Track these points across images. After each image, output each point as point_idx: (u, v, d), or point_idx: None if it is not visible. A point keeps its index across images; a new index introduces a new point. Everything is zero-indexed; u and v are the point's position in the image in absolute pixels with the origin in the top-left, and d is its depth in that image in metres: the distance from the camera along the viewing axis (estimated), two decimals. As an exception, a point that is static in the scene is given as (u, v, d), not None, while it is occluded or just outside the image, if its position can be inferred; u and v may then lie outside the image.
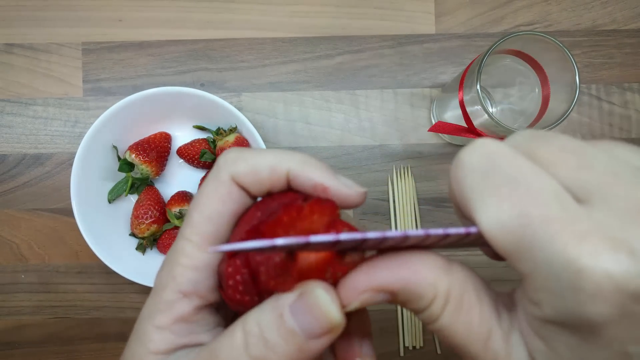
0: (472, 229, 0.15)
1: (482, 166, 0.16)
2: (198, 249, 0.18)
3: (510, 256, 0.15)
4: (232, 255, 0.17)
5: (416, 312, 0.17)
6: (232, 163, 0.18)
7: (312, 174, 0.18)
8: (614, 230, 0.13)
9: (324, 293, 0.16)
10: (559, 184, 0.14)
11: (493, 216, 0.15)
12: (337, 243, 0.15)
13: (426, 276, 0.16)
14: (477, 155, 0.16)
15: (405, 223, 0.48)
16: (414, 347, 0.47)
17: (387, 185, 0.48)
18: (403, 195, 0.48)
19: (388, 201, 0.48)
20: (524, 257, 0.14)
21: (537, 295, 0.14)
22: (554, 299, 0.14)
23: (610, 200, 0.14)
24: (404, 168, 0.48)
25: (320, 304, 0.16)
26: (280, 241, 0.14)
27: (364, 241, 0.15)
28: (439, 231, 0.15)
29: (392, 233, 0.15)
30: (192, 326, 0.18)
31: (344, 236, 0.15)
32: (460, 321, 0.16)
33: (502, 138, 0.37)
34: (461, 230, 0.16)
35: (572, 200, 0.14)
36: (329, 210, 0.17)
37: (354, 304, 0.16)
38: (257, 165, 0.18)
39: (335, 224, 0.17)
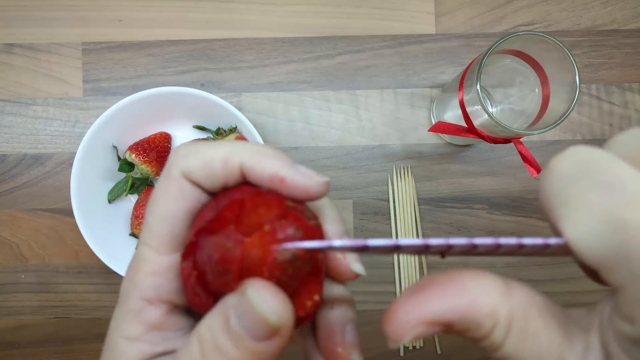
0: (552, 240, 0.14)
1: (573, 172, 0.14)
2: (156, 252, 0.17)
3: (602, 267, 0.13)
4: (186, 256, 0.17)
5: (476, 341, 0.15)
6: (183, 159, 0.17)
7: (267, 165, 0.17)
8: None
9: (255, 294, 0.15)
10: None
11: (581, 223, 0.13)
12: (398, 248, 0.14)
13: (485, 303, 0.14)
14: (569, 161, 0.14)
15: (405, 223, 0.48)
16: (414, 347, 0.47)
17: (387, 185, 0.48)
18: (403, 196, 0.48)
19: (388, 201, 0.48)
20: (618, 266, 0.13)
21: (632, 309, 0.13)
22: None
23: None
24: (404, 168, 0.48)
25: (255, 307, 0.15)
26: (337, 242, 0.14)
27: (426, 247, 0.14)
28: (512, 241, 0.14)
29: (459, 240, 0.14)
30: (164, 333, 0.18)
31: (405, 241, 0.14)
32: (527, 349, 0.14)
33: (502, 138, 0.37)
34: (538, 240, 0.14)
35: None
36: (274, 202, 0.16)
37: (406, 339, 0.15)
38: (208, 159, 0.17)
39: (286, 215, 0.16)
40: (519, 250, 0.15)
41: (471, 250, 0.15)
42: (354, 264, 0.19)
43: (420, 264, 0.48)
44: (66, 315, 0.48)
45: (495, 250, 0.15)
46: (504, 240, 0.14)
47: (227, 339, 0.15)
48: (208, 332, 0.15)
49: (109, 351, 0.18)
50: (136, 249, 0.18)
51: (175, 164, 0.17)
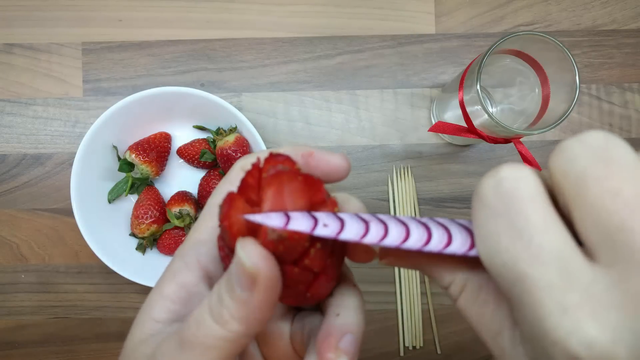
0: (472, 253, 0.17)
1: (493, 204, 0.15)
2: (207, 220, 0.20)
3: (504, 295, 0.15)
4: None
5: (441, 288, 0.19)
6: (243, 160, 0.22)
7: (300, 147, 0.21)
8: (608, 307, 0.13)
9: (239, 246, 0.16)
10: (571, 240, 0.14)
11: (491, 255, 0.15)
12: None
13: (449, 267, 0.18)
14: (492, 190, 0.15)
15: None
16: (414, 347, 0.47)
17: (387, 185, 0.48)
18: (403, 196, 0.48)
19: (388, 201, 0.48)
20: (513, 304, 0.15)
21: (522, 341, 0.15)
22: (532, 352, 0.14)
23: (632, 271, 0.13)
24: (404, 168, 0.48)
25: (238, 257, 0.16)
26: (318, 231, 0.17)
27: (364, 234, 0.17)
28: (439, 247, 0.17)
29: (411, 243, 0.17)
30: (192, 297, 0.19)
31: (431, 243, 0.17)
32: (474, 311, 0.17)
33: (502, 138, 0.37)
34: (462, 250, 0.17)
35: (579, 260, 0.13)
36: (286, 164, 0.18)
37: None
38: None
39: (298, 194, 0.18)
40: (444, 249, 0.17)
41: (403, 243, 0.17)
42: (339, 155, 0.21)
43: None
44: (66, 315, 0.48)
45: (424, 248, 0.17)
46: (432, 247, 0.17)
47: (225, 290, 0.17)
48: (217, 286, 0.17)
49: (145, 306, 0.20)
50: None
51: (237, 164, 0.21)
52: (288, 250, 0.17)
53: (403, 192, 0.48)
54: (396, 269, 0.48)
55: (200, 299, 0.19)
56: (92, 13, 0.48)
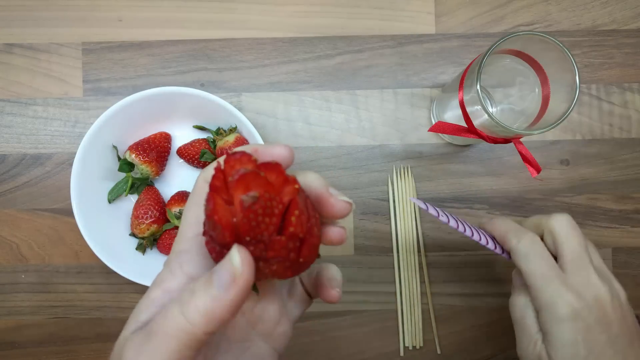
0: (505, 255, 0.37)
1: (529, 251, 0.34)
2: (186, 232, 0.23)
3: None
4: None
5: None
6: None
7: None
8: (574, 288, 0.32)
9: (234, 249, 0.19)
10: (556, 265, 0.33)
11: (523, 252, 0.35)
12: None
13: (508, 229, 0.36)
14: (528, 244, 0.35)
15: (405, 223, 0.48)
16: (414, 347, 0.47)
17: (387, 185, 0.48)
18: (403, 196, 0.48)
19: (388, 201, 0.48)
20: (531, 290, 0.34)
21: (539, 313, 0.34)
22: (546, 317, 0.33)
23: (575, 274, 0.33)
24: (404, 168, 0.48)
25: (230, 254, 0.19)
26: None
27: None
28: (482, 242, 0.36)
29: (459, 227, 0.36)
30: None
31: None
32: (531, 256, 0.34)
33: (502, 138, 0.37)
34: (498, 251, 0.37)
35: (559, 272, 0.33)
36: (245, 161, 0.20)
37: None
38: None
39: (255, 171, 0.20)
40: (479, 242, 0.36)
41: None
42: (341, 196, 0.22)
43: (420, 263, 0.48)
44: (66, 315, 0.48)
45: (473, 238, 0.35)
46: (482, 241, 0.36)
47: (203, 285, 0.19)
48: (192, 283, 0.19)
49: (135, 309, 0.22)
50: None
51: (200, 177, 0.23)
52: (267, 211, 0.19)
53: (403, 192, 0.48)
54: (396, 269, 0.48)
55: None
56: (92, 13, 0.48)
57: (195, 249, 0.22)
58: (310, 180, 0.22)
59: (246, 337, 0.25)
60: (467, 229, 0.36)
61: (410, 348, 0.47)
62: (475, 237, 0.36)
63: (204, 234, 0.21)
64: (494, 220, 0.38)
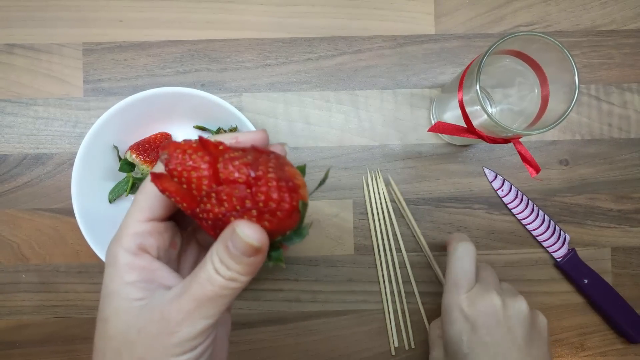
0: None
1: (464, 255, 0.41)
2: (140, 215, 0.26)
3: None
4: None
5: None
6: None
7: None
8: (469, 298, 0.39)
9: (242, 231, 0.21)
10: (472, 278, 0.40)
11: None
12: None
13: (455, 236, 0.43)
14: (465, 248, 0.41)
15: (381, 223, 0.48)
16: (410, 348, 0.47)
17: (362, 188, 0.48)
18: (377, 197, 0.48)
19: (365, 205, 0.48)
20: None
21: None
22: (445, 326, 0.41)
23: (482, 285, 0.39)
24: (375, 172, 0.48)
25: (243, 239, 0.21)
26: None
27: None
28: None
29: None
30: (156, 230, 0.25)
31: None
32: (462, 264, 0.41)
33: (501, 138, 0.37)
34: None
35: (474, 281, 0.40)
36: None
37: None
38: None
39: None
40: None
41: None
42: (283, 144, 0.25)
43: (402, 263, 0.48)
44: (67, 315, 0.48)
45: None
46: None
47: (229, 257, 0.22)
48: (216, 256, 0.22)
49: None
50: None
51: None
52: (188, 166, 0.22)
53: (376, 194, 0.48)
54: (378, 269, 0.48)
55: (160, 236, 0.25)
56: (93, 13, 0.49)
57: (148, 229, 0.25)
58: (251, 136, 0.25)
59: None
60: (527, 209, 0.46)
61: (407, 348, 0.48)
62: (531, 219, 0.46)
63: (194, 217, 0.23)
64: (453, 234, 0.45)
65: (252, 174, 0.21)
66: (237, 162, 0.21)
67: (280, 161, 0.22)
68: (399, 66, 0.49)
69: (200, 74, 0.48)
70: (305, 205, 0.22)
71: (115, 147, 0.44)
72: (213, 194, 0.21)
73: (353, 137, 0.49)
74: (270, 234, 0.22)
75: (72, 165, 0.42)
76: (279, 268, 0.48)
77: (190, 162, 0.22)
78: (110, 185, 0.45)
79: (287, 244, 0.23)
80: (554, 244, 0.48)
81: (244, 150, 0.22)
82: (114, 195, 0.45)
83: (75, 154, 0.42)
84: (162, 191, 0.22)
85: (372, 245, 0.48)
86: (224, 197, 0.21)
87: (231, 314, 0.30)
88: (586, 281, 0.47)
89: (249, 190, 0.21)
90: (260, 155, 0.22)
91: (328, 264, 0.48)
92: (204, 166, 0.22)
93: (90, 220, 0.42)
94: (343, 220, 0.48)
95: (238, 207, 0.21)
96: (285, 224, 0.22)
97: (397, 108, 0.49)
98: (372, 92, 0.49)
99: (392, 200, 0.48)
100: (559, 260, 0.48)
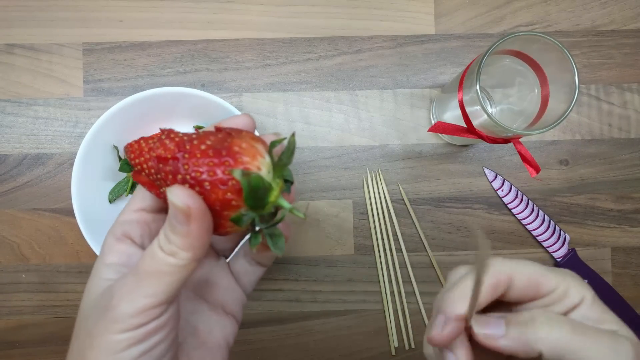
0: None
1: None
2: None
3: None
4: None
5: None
6: None
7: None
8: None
9: (167, 195, 0.20)
10: None
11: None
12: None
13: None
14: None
15: (382, 224, 0.48)
16: (410, 348, 0.47)
17: (363, 188, 0.48)
18: (377, 196, 0.48)
19: (365, 205, 0.48)
20: None
21: None
22: None
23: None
24: (375, 172, 0.48)
25: (170, 201, 0.20)
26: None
27: None
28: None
29: None
30: (131, 256, 0.24)
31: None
32: None
33: (501, 138, 0.37)
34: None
35: None
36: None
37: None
38: None
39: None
40: None
41: None
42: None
43: (403, 263, 0.48)
44: (67, 315, 0.48)
45: None
46: None
47: (169, 229, 0.20)
48: (162, 229, 0.21)
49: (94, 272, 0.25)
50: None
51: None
52: (139, 152, 0.23)
53: (376, 194, 0.48)
54: (379, 270, 0.48)
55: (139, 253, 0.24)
56: (93, 14, 0.49)
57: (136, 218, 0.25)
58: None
59: (196, 309, 0.27)
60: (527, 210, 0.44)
61: (407, 348, 0.48)
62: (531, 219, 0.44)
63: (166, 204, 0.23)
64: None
65: (186, 148, 0.21)
66: (167, 141, 0.21)
67: (231, 136, 0.21)
68: (399, 66, 0.49)
69: (200, 74, 0.48)
70: (246, 174, 0.20)
71: (115, 147, 0.45)
72: (159, 175, 0.21)
73: (353, 137, 0.49)
74: (215, 209, 0.21)
75: (72, 165, 0.42)
76: (282, 268, 0.48)
77: (145, 151, 0.23)
78: (110, 185, 0.45)
79: (260, 226, 0.22)
80: (554, 244, 0.48)
81: (205, 132, 0.22)
82: (114, 195, 0.45)
83: (75, 154, 0.42)
84: (138, 182, 0.23)
85: (372, 245, 0.48)
86: (163, 176, 0.21)
87: (234, 323, 0.28)
88: (586, 281, 0.47)
89: (183, 165, 0.21)
90: (211, 133, 0.21)
91: (328, 264, 0.48)
92: (147, 150, 0.22)
93: (90, 220, 0.42)
94: (343, 220, 0.48)
95: (173, 183, 0.21)
96: (218, 195, 0.20)
97: (397, 108, 0.49)
98: (372, 92, 0.49)
99: (393, 200, 0.48)
100: (559, 260, 0.48)
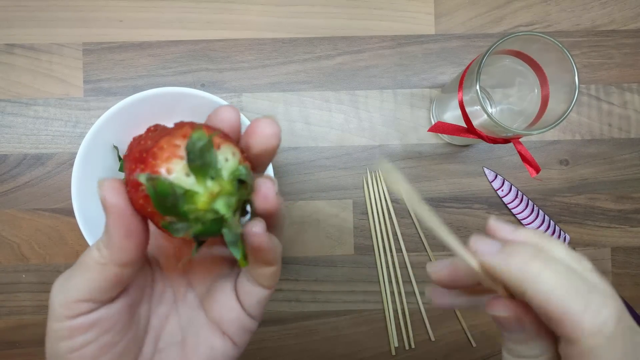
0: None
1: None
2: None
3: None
4: None
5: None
6: None
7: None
8: None
9: (98, 185, 0.19)
10: None
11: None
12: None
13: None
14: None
15: (382, 223, 0.48)
16: (410, 348, 0.47)
17: (363, 188, 0.48)
18: (377, 196, 0.48)
19: (365, 204, 0.48)
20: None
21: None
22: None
23: None
24: (375, 172, 0.48)
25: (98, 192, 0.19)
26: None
27: None
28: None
29: None
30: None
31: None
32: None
33: (501, 138, 0.37)
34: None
35: None
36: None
37: None
38: None
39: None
40: None
41: None
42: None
43: (403, 263, 0.48)
44: (67, 315, 0.48)
45: None
46: None
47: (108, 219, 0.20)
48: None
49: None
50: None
51: None
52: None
53: (376, 194, 0.48)
54: (379, 270, 0.48)
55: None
56: (93, 13, 0.49)
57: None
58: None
59: (193, 319, 0.25)
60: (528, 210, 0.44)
61: (407, 348, 0.48)
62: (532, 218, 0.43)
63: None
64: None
65: (131, 148, 0.20)
66: (137, 137, 0.20)
67: (164, 134, 0.19)
68: (399, 66, 0.49)
69: (200, 74, 0.48)
70: (151, 179, 0.18)
71: (115, 147, 0.44)
72: None
73: (353, 137, 0.49)
74: (144, 217, 0.20)
75: (72, 165, 0.42)
76: (282, 268, 0.48)
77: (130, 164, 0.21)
78: (110, 185, 0.45)
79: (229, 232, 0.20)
80: (554, 244, 0.48)
81: (158, 130, 0.21)
82: (114, 195, 0.45)
83: (75, 154, 0.42)
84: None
85: (372, 245, 0.48)
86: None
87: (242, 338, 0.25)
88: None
89: (126, 166, 0.20)
90: (169, 129, 0.20)
91: (328, 264, 0.48)
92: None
93: (90, 221, 0.42)
94: (343, 220, 0.48)
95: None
96: (137, 201, 0.19)
97: (397, 108, 0.49)
98: (372, 92, 0.49)
99: (393, 200, 0.48)
100: None
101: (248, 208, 0.21)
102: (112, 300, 0.21)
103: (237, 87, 0.48)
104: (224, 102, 0.42)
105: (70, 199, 0.42)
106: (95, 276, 0.20)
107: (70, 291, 0.20)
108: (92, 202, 0.44)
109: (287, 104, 0.49)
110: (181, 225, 0.19)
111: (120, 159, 0.44)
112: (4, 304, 0.48)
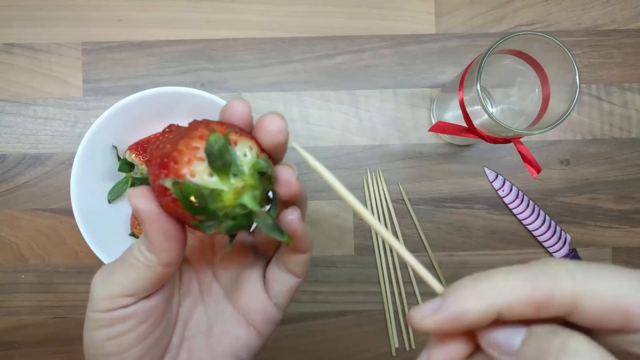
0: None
1: None
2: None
3: None
4: None
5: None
6: None
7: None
8: None
9: (129, 195, 0.20)
10: None
11: None
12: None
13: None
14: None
15: (380, 221, 0.48)
16: (412, 348, 0.47)
17: (363, 188, 0.48)
18: (377, 196, 0.48)
19: (365, 204, 0.48)
20: None
21: None
22: None
23: None
24: (376, 172, 0.48)
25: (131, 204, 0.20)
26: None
27: None
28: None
29: None
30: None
31: None
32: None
33: (502, 138, 0.37)
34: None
35: None
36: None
37: None
38: None
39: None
40: None
41: None
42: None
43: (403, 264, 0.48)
44: (66, 315, 0.48)
45: None
46: None
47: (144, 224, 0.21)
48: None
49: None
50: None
51: None
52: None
53: (376, 194, 0.48)
54: (379, 270, 0.48)
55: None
56: (92, 13, 0.48)
57: None
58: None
59: (219, 310, 0.26)
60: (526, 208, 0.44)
61: (407, 349, 0.47)
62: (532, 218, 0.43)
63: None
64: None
65: (152, 154, 0.20)
66: (154, 139, 0.21)
67: (181, 136, 0.20)
68: (399, 66, 0.49)
69: (200, 73, 0.48)
70: (176, 183, 0.19)
71: (115, 147, 0.44)
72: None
73: (353, 137, 0.48)
74: (176, 218, 0.20)
75: (71, 165, 0.42)
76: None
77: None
78: (110, 185, 0.45)
79: (225, 231, 0.20)
80: (555, 244, 0.48)
81: (173, 133, 0.21)
82: (114, 196, 0.45)
83: (75, 153, 0.42)
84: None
85: (373, 246, 0.48)
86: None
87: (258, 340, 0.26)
88: None
89: (150, 173, 0.20)
90: (185, 130, 0.20)
91: (328, 265, 0.48)
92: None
93: (89, 220, 0.42)
94: (343, 221, 0.48)
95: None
96: (166, 204, 0.20)
97: (398, 108, 0.49)
98: (372, 91, 0.49)
99: (394, 200, 0.48)
100: None
101: (270, 195, 0.22)
102: (150, 294, 0.23)
103: (237, 86, 0.48)
104: (224, 102, 0.42)
105: (70, 199, 0.42)
106: (141, 275, 0.21)
107: (114, 285, 0.21)
108: (92, 202, 0.43)
109: (287, 103, 0.48)
110: (212, 222, 0.20)
111: (119, 158, 0.44)
112: (2, 304, 0.48)
